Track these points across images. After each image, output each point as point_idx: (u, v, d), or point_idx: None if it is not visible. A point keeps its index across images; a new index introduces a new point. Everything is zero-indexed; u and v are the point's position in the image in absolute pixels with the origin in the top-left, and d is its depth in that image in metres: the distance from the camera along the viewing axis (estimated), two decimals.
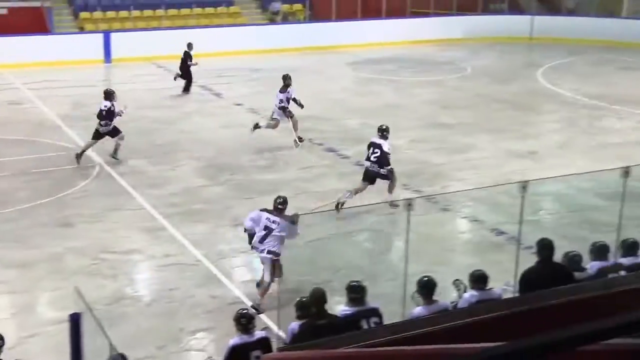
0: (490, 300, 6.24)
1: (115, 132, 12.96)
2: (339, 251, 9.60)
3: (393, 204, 10.54)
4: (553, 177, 11.24)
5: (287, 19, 25.82)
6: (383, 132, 10.97)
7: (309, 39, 23.95)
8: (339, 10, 25.38)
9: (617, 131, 15.37)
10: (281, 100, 13.81)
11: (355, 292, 6.25)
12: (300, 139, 13.88)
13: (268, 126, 13.98)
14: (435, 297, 6.31)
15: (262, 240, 8.22)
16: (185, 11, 24.61)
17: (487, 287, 6.44)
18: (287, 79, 13.94)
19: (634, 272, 6.41)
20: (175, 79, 17.94)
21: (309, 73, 21.00)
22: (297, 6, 26.46)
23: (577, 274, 6.74)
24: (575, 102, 17.83)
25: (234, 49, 22.70)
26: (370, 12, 25.77)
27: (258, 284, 8.41)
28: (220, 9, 25.13)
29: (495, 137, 14.95)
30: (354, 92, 18.91)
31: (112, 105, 12.88)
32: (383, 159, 10.80)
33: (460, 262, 9.30)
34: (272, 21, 25.44)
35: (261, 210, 8.42)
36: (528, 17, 26.49)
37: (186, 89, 17.99)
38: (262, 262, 8.35)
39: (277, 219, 8.26)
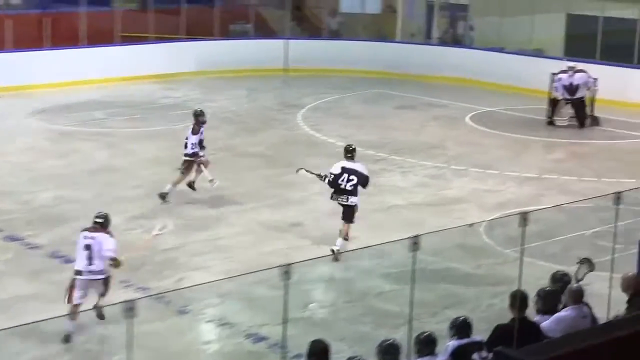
0: None
1: None
2: None
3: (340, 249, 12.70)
4: (324, 256, 11.72)
5: None
6: (353, 152, 13.33)
7: None
8: (17, 37, 24.83)
9: (401, 189, 16.45)
10: (193, 145, 15.18)
11: None
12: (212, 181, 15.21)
13: (176, 184, 15.22)
14: None
15: (90, 262, 10.39)
16: None
17: None
18: (201, 116, 15.54)
19: None
20: None
21: None
22: None
23: None
24: None
25: None
26: (63, 38, 25.51)
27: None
28: None
29: (247, 205, 15.30)
30: (45, 153, 18.47)
31: None
32: (359, 186, 13.04)
33: None
34: None
35: (81, 231, 10.70)
36: (281, 41, 27.75)
37: None
38: (90, 287, 10.40)
39: (93, 234, 10.56)
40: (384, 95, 25.06)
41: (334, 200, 13.23)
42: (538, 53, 26.36)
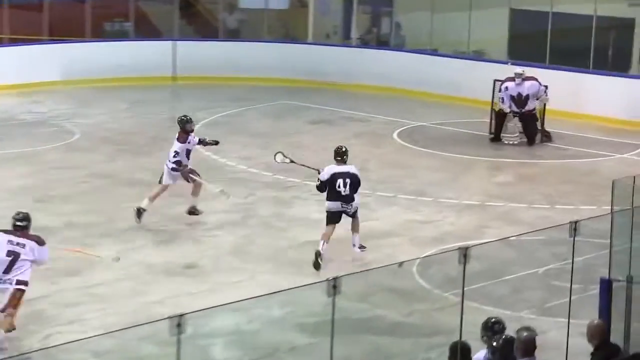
0: None
1: None
2: None
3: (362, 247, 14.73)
4: (224, 304, 11.67)
5: None
6: (344, 155, 14.73)
7: None
8: None
9: (317, 222, 16.42)
10: (176, 153, 16.03)
11: None
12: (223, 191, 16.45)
13: (154, 198, 16.12)
14: None
15: (9, 269, 11.17)
16: None
17: None
18: (188, 123, 16.40)
19: None
20: None
21: None
22: None
23: None
24: (252, 179, 18.87)
25: None
26: None
27: None
28: None
29: (129, 244, 15.19)
30: None
31: None
32: (355, 190, 14.53)
33: None
34: None
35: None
36: (169, 43, 27.66)
37: None
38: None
39: (21, 240, 11.37)
40: (294, 107, 25.15)
41: (343, 209, 14.55)
42: (477, 56, 26.71)
